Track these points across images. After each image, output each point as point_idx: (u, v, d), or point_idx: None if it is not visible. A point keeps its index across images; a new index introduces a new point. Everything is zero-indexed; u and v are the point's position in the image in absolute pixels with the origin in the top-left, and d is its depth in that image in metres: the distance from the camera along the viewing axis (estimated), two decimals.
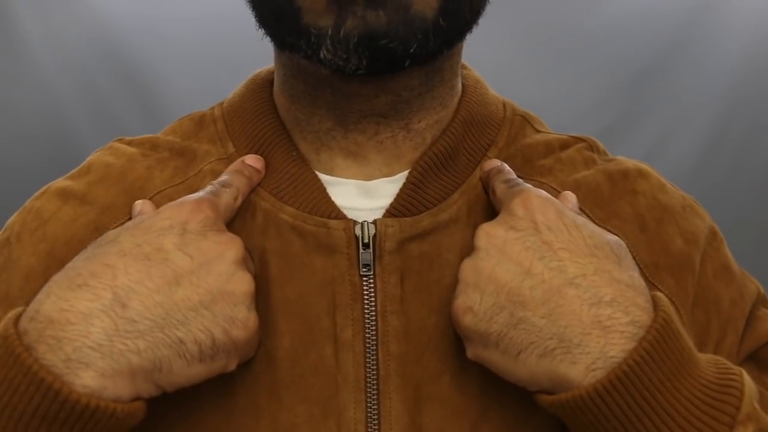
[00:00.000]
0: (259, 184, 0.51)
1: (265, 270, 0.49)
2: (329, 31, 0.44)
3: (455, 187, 0.51)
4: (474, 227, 0.48)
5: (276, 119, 0.53)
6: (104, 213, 0.51)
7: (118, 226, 0.49)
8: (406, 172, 0.51)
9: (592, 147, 0.56)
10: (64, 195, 0.53)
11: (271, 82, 0.55)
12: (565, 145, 0.55)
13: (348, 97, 0.49)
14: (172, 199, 0.48)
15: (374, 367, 0.48)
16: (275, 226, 0.50)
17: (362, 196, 0.51)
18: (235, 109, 0.55)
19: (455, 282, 0.45)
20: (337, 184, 0.51)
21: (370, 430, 0.47)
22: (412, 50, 0.45)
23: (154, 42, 1.96)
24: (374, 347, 0.48)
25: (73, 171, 0.55)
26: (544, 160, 0.54)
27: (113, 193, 0.52)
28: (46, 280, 0.43)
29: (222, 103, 0.57)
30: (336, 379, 0.47)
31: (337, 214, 0.49)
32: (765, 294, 0.56)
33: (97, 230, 0.50)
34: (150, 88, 1.98)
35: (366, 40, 0.43)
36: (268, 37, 0.50)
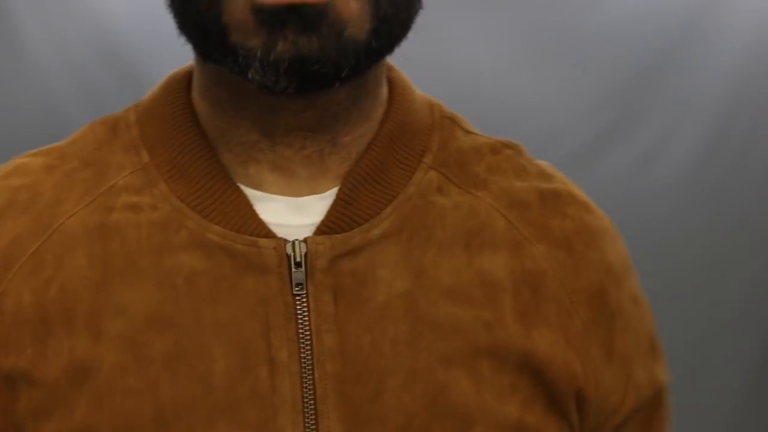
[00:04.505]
0: (179, 198, 0.49)
1: (195, 291, 0.47)
2: (258, 53, 0.43)
3: (388, 201, 0.50)
4: (410, 241, 0.48)
5: (195, 127, 0.50)
6: (11, 246, 0.49)
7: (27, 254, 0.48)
8: (335, 189, 0.50)
9: (521, 153, 0.56)
10: None
11: (189, 84, 0.53)
12: (494, 149, 0.55)
13: (275, 111, 0.48)
14: (85, 224, 0.47)
15: (311, 387, 0.47)
16: (204, 247, 0.48)
17: (293, 213, 0.49)
18: (150, 113, 0.53)
19: (389, 299, 0.46)
20: (266, 200, 0.49)
21: None
22: (343, 74, 0.44)
23: (154, 42, 1.95)
24: (310, 367, 0.47)
25: None
26: (477, 167, 0.53)
27: (21, 224, 0.49)
28: None
29: (137, 106, 0.54)
30: (273, 402, 0.46)
31: (266, 232, 0.48)
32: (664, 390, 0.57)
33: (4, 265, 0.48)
34: (150, 88, 1.98)
35: (297, 64, 0.43)
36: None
